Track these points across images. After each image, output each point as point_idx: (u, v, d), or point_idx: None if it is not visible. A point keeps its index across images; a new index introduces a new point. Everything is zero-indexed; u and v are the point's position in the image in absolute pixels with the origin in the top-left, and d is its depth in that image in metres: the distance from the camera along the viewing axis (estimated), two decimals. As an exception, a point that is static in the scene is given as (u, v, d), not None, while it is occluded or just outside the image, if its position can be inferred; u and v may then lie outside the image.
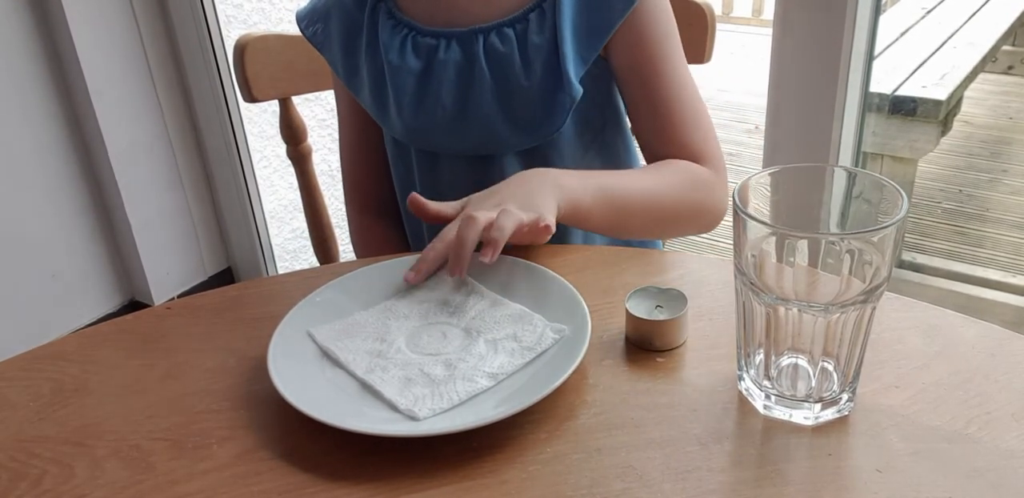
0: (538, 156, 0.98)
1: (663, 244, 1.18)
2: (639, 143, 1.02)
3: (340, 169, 1.14)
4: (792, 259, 0.58)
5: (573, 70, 0.93)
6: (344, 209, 1.16)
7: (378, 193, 1.12)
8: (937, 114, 2.15)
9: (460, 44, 0.95)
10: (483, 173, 0.99)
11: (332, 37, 1.02)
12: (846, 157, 1.46)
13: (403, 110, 0.97)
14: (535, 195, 0.82)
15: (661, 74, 0.96)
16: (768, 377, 0.64)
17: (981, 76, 2.53)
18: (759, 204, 0.62)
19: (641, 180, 0.94)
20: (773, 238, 0.58)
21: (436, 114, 0.96)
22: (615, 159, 1.05)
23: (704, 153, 0.96)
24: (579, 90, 0.93)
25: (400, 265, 0.83)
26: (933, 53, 2.40)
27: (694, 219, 0.97)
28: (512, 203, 0.79)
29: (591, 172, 0.90)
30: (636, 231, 0.98)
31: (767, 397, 0.64)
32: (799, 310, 0.60)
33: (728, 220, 0.63)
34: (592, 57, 0.94)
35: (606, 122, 1.02)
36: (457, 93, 0.96)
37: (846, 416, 0.64)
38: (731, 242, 0.63)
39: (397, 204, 1.13)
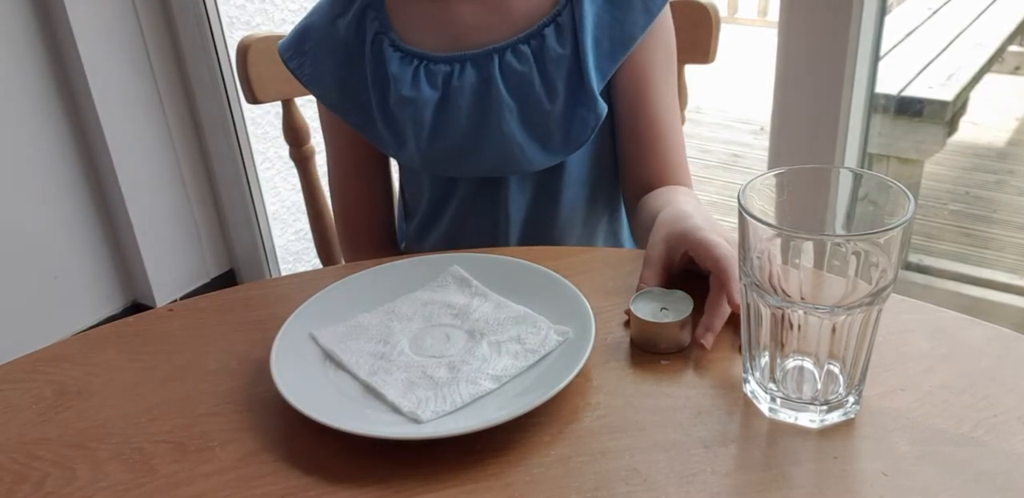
0: (551, 174, 0.98)
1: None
2: (622, 157, 1.01)
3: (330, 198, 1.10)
4: (797, 261, 0.58)
5: (596, 86, 0.91)
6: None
7: (371, 227, 1.09)
8: (943, 115, 2.14)
9: (475, 66, 0.92)
10: (495, 191, 0.99)
11: (324, 72, 0.98)
12: (852, 158, 1.46)
13: (421, 142, 0.94)
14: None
15: (660, 97, 0.96)
16: (773, 380, 0.64)
17: (988, 77, 2.51)
18: (764, 206, 0.62)
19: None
20: (778, 240, 0.58)
21: (456, 141, 0.94)
22: (615, 176, 1.04)
23: (686, 176, 0.99)
24: (604, 107, 0.91)
25: (402, 266, 0.82)
26: (939, 53, 2.39)
27: None
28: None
29: (694, 209, 0.84)
30: None
31: (772, 400, 0.64)
32: (804, 312, 0.60)
33: (733, 221, 0.62)
34: (611, 71, 0.92)
35: (614, 138, 1.01)
36: (475, 117, 0.93)
37: (852, 419, 0.63)
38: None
39: (392, 234, 1.11)
